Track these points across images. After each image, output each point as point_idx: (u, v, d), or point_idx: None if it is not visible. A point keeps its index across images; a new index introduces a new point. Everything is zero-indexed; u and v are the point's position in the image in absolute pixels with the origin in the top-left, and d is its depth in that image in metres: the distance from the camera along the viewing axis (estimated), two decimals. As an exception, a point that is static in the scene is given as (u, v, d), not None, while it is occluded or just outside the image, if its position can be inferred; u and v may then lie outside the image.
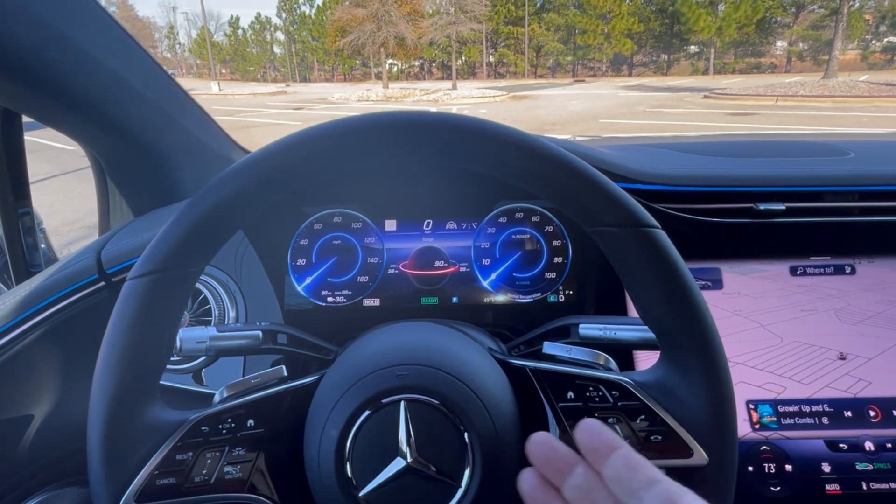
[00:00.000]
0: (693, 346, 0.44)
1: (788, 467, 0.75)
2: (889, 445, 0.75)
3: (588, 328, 0.59)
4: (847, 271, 0.82)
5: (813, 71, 29.60)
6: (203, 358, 0.80)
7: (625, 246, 0.45)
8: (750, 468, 0.75)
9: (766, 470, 0.75)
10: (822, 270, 0.82)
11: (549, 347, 0.57)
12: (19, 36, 0.64)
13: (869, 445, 0.75)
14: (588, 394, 0.49)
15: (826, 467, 0.75)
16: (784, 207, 0.81)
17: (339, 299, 0.87)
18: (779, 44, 38.29)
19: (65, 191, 6.37)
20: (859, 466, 0.75)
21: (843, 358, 0.78)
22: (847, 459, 0.75)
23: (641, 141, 1.42)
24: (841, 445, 0.75)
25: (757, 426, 0.76)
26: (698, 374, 0.44)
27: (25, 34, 0.65)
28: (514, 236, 0.87)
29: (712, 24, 30.89)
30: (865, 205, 0.83)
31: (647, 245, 0.44)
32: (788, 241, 0.83)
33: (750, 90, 17.14)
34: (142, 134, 0.89)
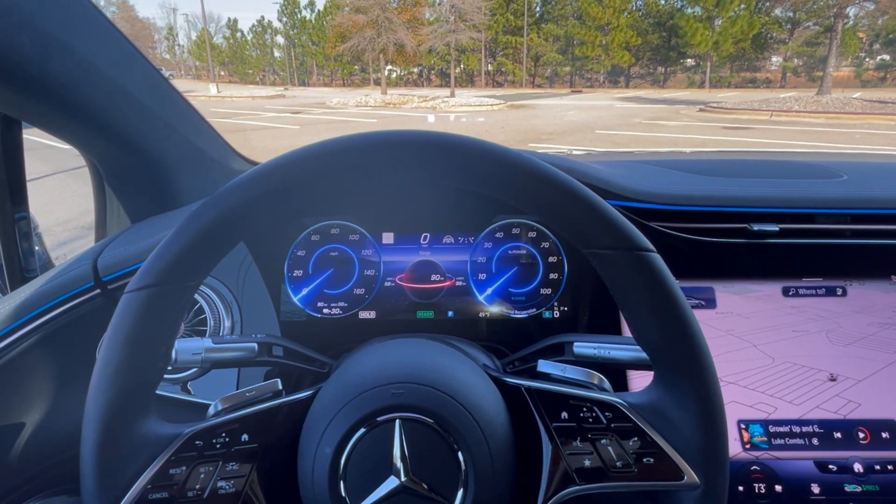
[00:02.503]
0: (686, 370, 0.45)
1: (778, 488, 0.75)
2: (878, 467, 0.76)
3: (582, 346, 0.60)
4: (838, 293, 0.83)
5: (807, 87, 29.92)
6: (194, 369, 0.80)
7: (620, 269, 0.45)
8: (740, 488, 0.75)
9: (756, 490, 0.75)
10: (813, 292, 0.83)
11: (543, 366, 0.57)
12: (23, 47, 0.65)
13: (858, 467, 0.76)
14: (582, 414, 0.49)
15: (815, 488, 0.75)
16: (777, 228, 0.82)
17: (335, 311, 0.87)
18: (774, 59, 38.71)
19: (59, 190, 6.33)
20: (848, 488, 0.75)
21: (833, 379, 0.79)
22: (836, 481, 0.75)
23: (637, 153, 1.43)
24: (830, 467, 0.76)
25: (748, 446, 0.77)
26: (691, 398, 0.45)
27: (29, 45, 0.65)
28: (510, 251, 0.88)
29: (709, 38, 31.19)
30: (857, 227, 0.84)
31: (642, 269, 0.45)
32: (781, 262, 0.84)
33: (745, 104, 17.31)
34: (141, 142, 0.89)
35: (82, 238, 4.48)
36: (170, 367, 0.53)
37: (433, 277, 0.88)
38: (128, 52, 0.83)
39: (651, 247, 0.45)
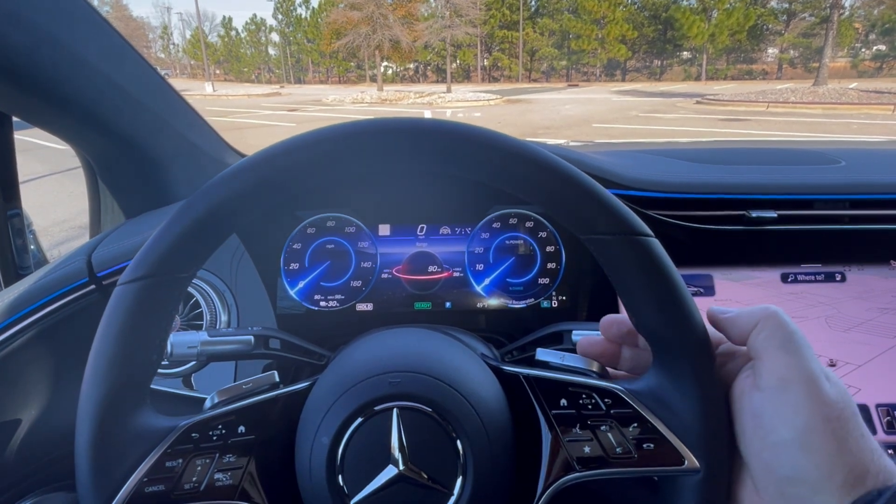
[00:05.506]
0: (685, 354, 0.44)
1: (779, 473, 0.75)
2: (878, 452, 0.76)
3: (581, 334, 0.59)
4: (837, 279, 0.83)
5: (803, 78, 29.94)
6: (193, 363, 0.79)
7: (618, 254, 0.45)
8: (741, 474, 0.75)
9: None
10: (812, 278, 0.83)
11: (542, 354, 0.56)
12: (10, 38, 0.64)
13: (858, 452, 0.76)
14: (581, 401, 0.49)
15: (816, 473, 0.75)
16: (776, 215, 0.82)
17: (331, 304, 0.87)
18: (770, 51, 38.74)
19: (56, 190, 6.31)
20: (849, 473, 0.75)
21: (832, 365, 0.79)
22: (837, 466, 0.75)
23: (634, 146, 1.43)
24: (831, 452, 0.76)
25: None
26: (690, 383, 0.44)
27: (17, 37, 0.64)
28: (507, 242, 0.88)
29: (705, 30, 31.18)
30: (856, 213, 0.84)
31: (640, 253, 0.44)
32: (780, 249, 0.83)
33: (741, 96, 17.32)
34: (134, 137, 0.89)
35: (79, 238, 4.48)
36: (166, 361, 0.53)
37: (430, 269, 0.87)
38: (118, 45, 0.82)
39: (649, 231, 0.45)
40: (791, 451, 0.38)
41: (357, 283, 0.87)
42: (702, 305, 0.44)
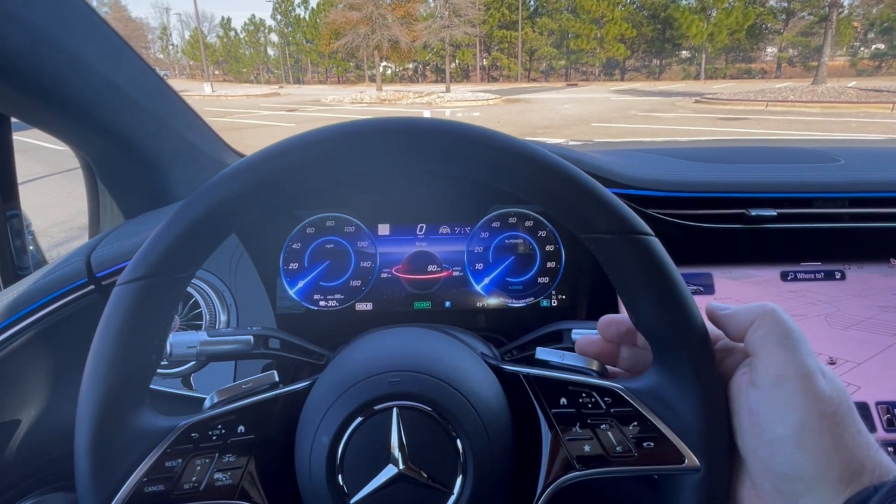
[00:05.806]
0: (685, 353, 0.44)
1: (779, 472, 0.75)
2: (878, 450, 0.76)
3: (580, 333, 0.59)
4: (837, 277, 0.83)
5: (802, 76, 29.96)
6: (193, 363, 0.79)
7: (618, 253, 0.45)
8: (741, 473, 0.75)
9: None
10: (812, 276, 0.83)
11: (541, 353, 0.56)
12: (10, 39, 0.64)
13: (858, 450, 0.76)
14: (581, 400, 0.49)
15: (816, 472, 0.75)
16: (775, 213, 0.81)
17: (331, 303, 0.87)
18: (769, 49, 38.78)
19: (55, 191, 6.31)
20: (849, 471, 0.75)
21: (832, 363, 0.79)
22: (837, 464, 0.75)
23: (634, 145, 1.42)
24: (831, 450, 0.76)
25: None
26: (690, 381, 0.44)
27: (16, 37, 0.64)
28: (507, 241, 0.87)
29: (704, 29, 31.21)
30: (855, 211, 0.84)
31: (640, 252, 0.44)
32: (779, 247, 0.83)
33: (740, 95, 17.33)
34: (132, 137, 0.88)
35: (78, 238, 4.47)
36: (165, 361, 0.52)
37: (430, 268, 0.87)
38: (117, 45, 0.82)
39: (648, 230, 0.45)
40: (787, 447, 0.38)
41: (356, 283, 0.87)
42: (701, 304, 0.44)
